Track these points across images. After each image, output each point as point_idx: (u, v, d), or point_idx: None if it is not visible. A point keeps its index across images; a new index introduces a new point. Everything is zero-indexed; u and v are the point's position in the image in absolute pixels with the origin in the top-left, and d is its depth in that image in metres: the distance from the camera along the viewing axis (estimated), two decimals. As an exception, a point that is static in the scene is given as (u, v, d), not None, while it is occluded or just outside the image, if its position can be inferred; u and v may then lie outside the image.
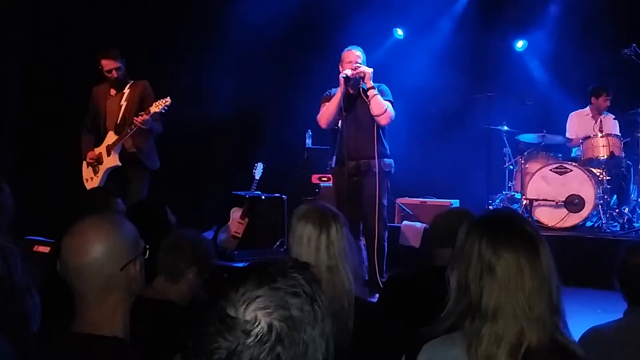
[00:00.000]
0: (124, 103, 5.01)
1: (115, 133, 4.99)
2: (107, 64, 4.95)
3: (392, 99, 4.72)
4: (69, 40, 6.38)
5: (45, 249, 5.07)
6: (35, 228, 5.13)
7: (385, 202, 4.76)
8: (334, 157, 4.78)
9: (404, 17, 7.67)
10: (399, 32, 7.80)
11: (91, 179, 5.11)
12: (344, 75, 4.55)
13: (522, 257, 1.44)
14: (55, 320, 1.90)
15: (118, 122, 5.01)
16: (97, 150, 5.05)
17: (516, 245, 1.45)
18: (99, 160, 5.04)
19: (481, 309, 1.43)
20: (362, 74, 4.59)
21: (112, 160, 5.00)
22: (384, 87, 4.75)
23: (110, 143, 5.00)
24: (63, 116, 6.16)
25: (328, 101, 4.73)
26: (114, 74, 4.97)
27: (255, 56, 6.93)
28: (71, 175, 5.28)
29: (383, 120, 4.63)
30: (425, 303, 1.70)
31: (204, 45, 6.95)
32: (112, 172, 5.03)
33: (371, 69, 4.65)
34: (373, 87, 4.61)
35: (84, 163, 5.15)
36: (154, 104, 4.82)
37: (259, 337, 0.84)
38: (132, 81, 5.08)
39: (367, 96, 4.61)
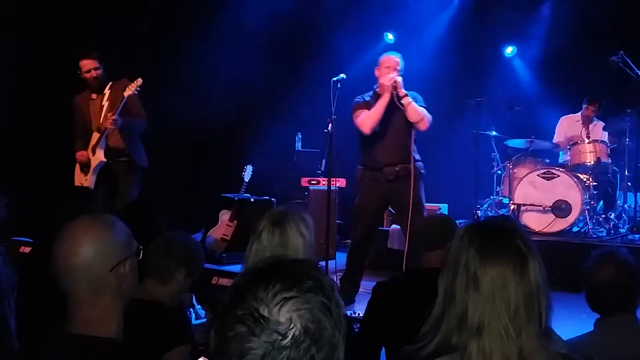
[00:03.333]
0: (105, 103, 4.99)
1: (98, 131, 5.00)
2: (86, 64, 4.92)
3: (425, 105, 4.74)
4: (56, 41, 6.35)
5: (29, 250, 5.05)
6: (20, 228, 5.12)
7: (425, 203, 4.82)
8: (364, 164, 4.79)
9: (394, 21, 7.71)
10: (390, 37, 7.83)
11: (82, 184, 5.11)
12: (394, 84, 4.57)
13: (508, 272, 1.37)
14: (35, 320, 1.90)
15: (101, 121, 5.00)
16: (84, 154, 5.05)
17: (503, 260, 1.38)
18: (87, 163, 5.05)
19: (467, 322, 1.38)
20: (394, 83, 4.61)
21: (97, 158, 5.00)
22: (415, 93, 4.77)
23: (94, 143, 5.02)
24: (48, 117, 6.13)
25: (364, 107, 4.72)
26: (93, 73, 4.93)
27: (246, 59, 6.93)
28: (54, 176, 5.26)
29: (423, 126, 4.65)
30: (413, 307, 1.71)
31: (194, 48, 6.94)
32: (101, 172, 5.02)
33: (400, 77, 4.66)
34: (406, 95, 4.62)
35: (77, 167, 5.16)
36: (126, 87, 4.77)
37: (294, 338, 0.85)
38: (111, 82, 5.04)
39: (402, 103, 4.62)
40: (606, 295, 2.09)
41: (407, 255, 4.57)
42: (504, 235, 1.44)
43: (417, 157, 4.80)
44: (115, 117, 4.78)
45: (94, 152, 5.01)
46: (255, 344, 0.85)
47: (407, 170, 4.69)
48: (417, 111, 4.62)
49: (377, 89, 4.78)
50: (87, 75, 4.95)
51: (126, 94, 4.78)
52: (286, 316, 0.86)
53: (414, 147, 4.75)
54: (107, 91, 5.01)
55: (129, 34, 6.48)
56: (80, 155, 5.06)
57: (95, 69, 4.93)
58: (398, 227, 6.21)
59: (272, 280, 0.89)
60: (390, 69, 4.69)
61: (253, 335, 0.85)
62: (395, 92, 4.62)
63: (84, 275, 1.44)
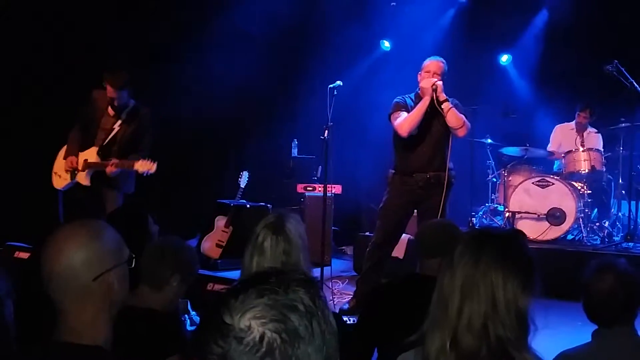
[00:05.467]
0: (116, 128, 4.94)
1: (98, 153, 4.95)
2: (111, 92, 4.81)
3: (464, 112, 4.66)
4: (48, 40, 6.33)
5: (25, 255, 5.02)
6: (16, 233, 5.10)
7: (447, 212, 4.70)
8: (395, 168, 4.71)
9: (391, 29, 7.74)
10: (386, 44, 7.86)
11: (59, 177, 5.07)
12: (434, 87, 4.47)
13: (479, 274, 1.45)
14: (33, 328, 1.89)
15: (104, 143, 4.96)
16: (74, 163, 4.99)
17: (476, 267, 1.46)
18: (74, 171, 5.01)
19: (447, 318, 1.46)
20: (434, 86, 4.52)
21: (82, 179, 4.98)
22: (456, 100, 4.69)
23: (89, 160, 4.96)
24: (40, 118, 6.12)
25: (402, 109, 4.63)
26: (116, 103, 4.87)
27: (243, 66, 6.94)
28: (50, 181, 5.23)
29: (462, 132, 4.57)
30: (411, 312, 1.72)
31: (192, 54, 6.94)
32: (78, 184, 5.01)
33: (441, 82, 4.55)
34: (447, 100, 4.53)
35: (60, 154, 5.09)
36: (140, 162, 4.70)
37: (250, 345, 0.84)
38: (132, 104, 4.96)
39: (442, 108, 4.52)
40: (604, 306, 2.07)
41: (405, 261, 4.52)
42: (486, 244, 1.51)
43: (451, 165, 4.68)
44: (115, 170, 4.76)
45: (84, 169, 4.95)
46: (214, 349, 0.85)
47: (438, 178, 4.60)
48: (458, 116, 4.53)
49: (419, 92, 4.68)
50: (109, 99, 4.86)
51: (136, 167, 4.70)
52: (246, 323, 0.85)
53: (449, 155, 4.64)
54: (124, 116, 4.93)
55: (126, 36, 6.48)
56: (70, 162, 4.97)
57: (119, 98, 4.84)
58: (404, 235, 6.21)
59: (245, 289, 0.89)
60: (430, 74, 4.60)
61: (213, 341, 0.85)
62: (435, 96, 4.52)
63: (69, 282, 1.41)
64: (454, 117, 4.52)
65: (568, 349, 2.13)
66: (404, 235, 5.83)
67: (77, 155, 5.00)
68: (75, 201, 5.01)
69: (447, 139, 4.61)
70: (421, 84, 4.60)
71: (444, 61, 4.71)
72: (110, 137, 4.94)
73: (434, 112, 4.57)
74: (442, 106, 4.52)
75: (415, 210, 4.87)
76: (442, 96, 4.52)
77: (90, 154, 4.98)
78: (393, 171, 4.77)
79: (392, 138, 4.74)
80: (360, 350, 2.57)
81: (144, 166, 4.69)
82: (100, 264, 1.44)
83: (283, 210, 2.35)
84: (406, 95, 4.75)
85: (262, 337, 0.85)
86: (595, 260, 2.24)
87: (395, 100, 4.72)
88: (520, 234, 1.67)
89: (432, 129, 4.62)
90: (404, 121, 4.56)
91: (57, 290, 1.42)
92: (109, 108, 4.96)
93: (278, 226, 2.13)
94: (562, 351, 2.12)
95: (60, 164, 5.11)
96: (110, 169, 4.78)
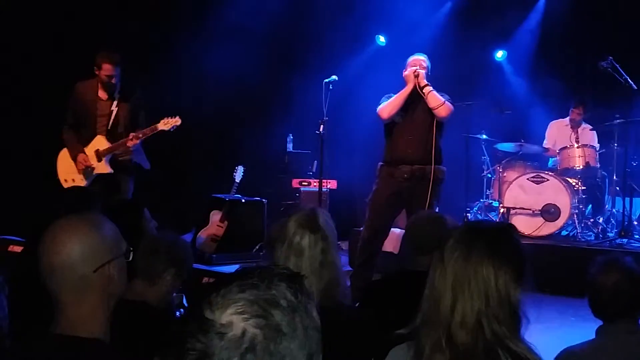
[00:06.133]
0: (114, 109, 4.88)
1: (107, 139, 4.88)
2: (109, 69, 4.78)
3: (449, 98, 4.73)
4: (41, 35, 6.30)
5: (18, 249, 5.00)
6: (9, 227, 5.08)
7: (436, 209, 4.66)
8: (383, 159, 4.74)
9: (386, 24, 7.73)
10: (381, 39, 7.85)
11: (72, 181, 4.96)
12: (416, 74, 4.60)
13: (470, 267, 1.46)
14: (27, 321, 1.88)
15: (109, 128, 4.89)
16: (88, 155, 4.90)
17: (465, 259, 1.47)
18: (87, 168, 4.91)
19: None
20: (416, 73, 4.63)
21: (103, 167, 4.90)
22: (441, 93, 4.76)
23: (100, 149, 4.88)
24: (33, 112, 6.09)
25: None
26: (113, 80, 4.82)
27: (238, 60, 6.92)
28: (44, 173, 5.20)
29: (442, 112, 4.61)
30: (405, 308, 1.72)
31: (186, 49, 6.92)
32: (99, 175, 4.94)
33: (423, 70, 4.68)
34: (428, 84, 4.64)
35: (61, 159, 5.01)
36: (162, 121, 4.71)
37: (231, 341, 0.83)
38: (119, 84, 4.92)
39: (424, 92, 4.62)
40: (610, 302, 2.09)
41: (400, 257, 4.52)
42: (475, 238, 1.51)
43: (441, 158, 4.72)
44: (137, 142, 4.75)
45: (99, 159, 4.88)
46: (195, 345, 0.84)
47: (423, 171, 4.60)
48: (437, 97, 4.60)
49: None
50: (106, 77, 4.82)
51: (160, 127, 4.72)
52: (227, 319, 0.84)
53: (438, 148, 4.67)
54: (117, 96, 4.89)
55: (121, 32, 6.45)
56: (83, 160, 4.88)
57: (117, 76, 4.82)
58: (394, 230, 6.22)
59: (226, 284, 0.88)
60: (412, 66, 4.72)
61: (193, 337, 0.84)
62: (417, 82, 4.62)
63: (67, 275, 1.42)
64: (433, 97, 4.61)
65: (572, 345, 2.13)
66: (398, 230, 5.85)
67: (84, 152, 4.92)
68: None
69: (433, 128, 4.64)
70: (404, 73, 4.72)
71: (426, 57, 4.82)
72: (111, 122, 4.89)
73: (418, 102, 4.65)
74: (424, 90, 4.62)
75: (404, 207, 4.89)
76: (424, 82, 4.63)
77: (100, 143, 4.90)
78: (381, 163, 4.79)
79: (384, 132, 4.78)
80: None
81: (167, 124, 4.68)
82: (100, 256, 1.45)
83: (312, 205, 2.23)
84: (395, 93, 4.81)
85: (243, 332, 0.84)
86: (601, 256, 2.25)
87: (384, 96, 4.82)
88: (510, 226, 1.67)
89: (416, 118, 4.68)
90: (386, 104, 4.67)
91: (56, 283, 1.42)
92: (100, 93, 4.89)
93: (314, 223, 2.00)
94: (567, 347, 2.12)
95: (65, 168, 4.99)
96: (132, 142, 4.73)
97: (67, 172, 4.99)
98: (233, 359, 0.83)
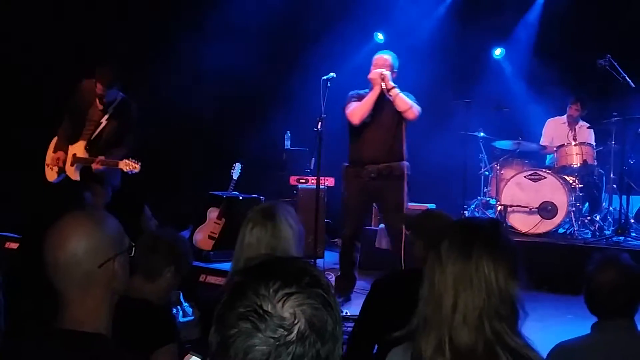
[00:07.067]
0: (104, 122, 4.94)
1: (86, 148, 4.94)
2: (100, 88, 4.80)
3: (415, 100, 4.81)
4: (41, 35, 6.29)
5: (14, 245, 5.00)
6: (4, 224, 5.08)
7: (407, 204, 4.87)
8: (349, 160, 4.84)
9: (385, 21, 7.73)
10: (380, 37, 7.85)
11: (51, 170, 5.06)
12: (382, 77, 4.68)
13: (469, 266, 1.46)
14: (22, 317, 1.89)
15: (92, 138, 4.95)
16: (66, 156, 4.98)
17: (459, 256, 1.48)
18: (62, 167, 5.00)
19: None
20: (381, 75, 4.70)
21: (72, 173, 4.99)
22: (408, 93, 4.84)
23: (77, 155, 4.96)
24: (30, 110, 6.08)
25: (358, 99, 4.81)
26: (104, 100, 4.86)
27: (236, 57, 6.91)
28: (37, 171, 5.20)
29: (411, 114, 4.72)
30: (409, 306, 1.73)
31: (183, 46, 6.91)
32: (66, 178, 5.01)
33: (388, 72, 4.75)
34: (394, 87, 4.71)
35: (52, 146, 5.08)
36: (124, 162, 4.71)
37: (300, 333, 0.85)
38: (120, 98, 4.95)
39: (391, 95, 4.70)
40: (606, 299, 2.09)
41: (405, 255, 4.54)
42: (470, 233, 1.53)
43: (405, 155, 4.83)
44: (101, 167, 4.79)
45: (72, 163, 4.95)
46: (259, 340, 0.84)
47: (390, 169, 4.73)
48: (405, 100, 4.71)
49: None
50: (99, 94, 4.84)
51: (121, 165, 4.71)
52: (290, 311, 0.86)
53: (403, 146, 4.79)
54: (111, 110, 4.92)
55: (117, 30, 6.44)
56: (58, 158, 4.96)
57: (107, 96, 4.84)
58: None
59: (271, 276, 0.89)
60: (377, 66, 4.80)
61: (258, 331, 0.85)
62: (383, 85, 4.70)
63: (72, 270, 1.43)
64: (401, 101, 4.71)
65: (566, 340, 2.14)
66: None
67: (65, 151, 5.00)
68: (66, 194, 5.00)
69: (400, 128, 4.77)
70: (369, 75, 4.80)
71: (393, 55, 4.92)
72: (97, 131, 4.95)
73: (385, 103, 4.75)
74: (391, 92, 4.70)
75: (375, 205, 5.08)
76: (390, 84, 4.72)
77: (79, 149, 4.98)
78: (346, 164, 4.91)
79: (348, 131, 4.89)
80: (363, 347, 2.57)
81: (127, 165, 4.73)
82: (105, 251, 1.46)
83: (276, 201, 2.39)
84: (360, 90, 4.90)
85: (310, 324, 0.86)
86: (598, 254, 2.27)
87: (350, 93, 4.91)
88: (499, 222, 1.69)
89: (383, 119, 4.78)
90: (356, 108, 4.77)
91: (61, 279, 1.43)
92: (97, 100, 4.94)
93: (268, 213, 2.20)
94: (560, 342, 2.13)
95: (51, 156, 5.10)
96: (95, 166, 4.83)
97: (51, 159, 5.08)
98: (304, 350, 0.85)
